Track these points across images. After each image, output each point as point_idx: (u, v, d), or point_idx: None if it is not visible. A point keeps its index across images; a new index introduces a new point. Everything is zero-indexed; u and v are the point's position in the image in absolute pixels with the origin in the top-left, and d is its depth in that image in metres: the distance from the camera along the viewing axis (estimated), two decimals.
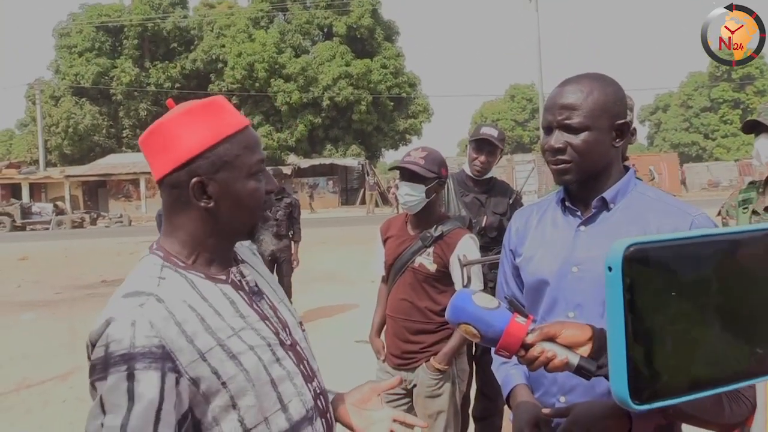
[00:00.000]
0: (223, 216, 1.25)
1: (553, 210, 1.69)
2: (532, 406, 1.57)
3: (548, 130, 1.58)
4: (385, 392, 2.86)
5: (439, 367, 2.78)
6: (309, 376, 1.33)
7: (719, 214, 3.02)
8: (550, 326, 1.33)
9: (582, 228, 1.59)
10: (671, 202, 1.58)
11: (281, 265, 6.91)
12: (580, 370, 1.28)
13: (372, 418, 1.42)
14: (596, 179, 1.57)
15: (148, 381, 1.06)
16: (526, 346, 1.30)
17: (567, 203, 1.64)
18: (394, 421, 1.41)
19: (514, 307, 1.34)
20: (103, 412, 1.05)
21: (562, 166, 1.54)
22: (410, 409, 2.89)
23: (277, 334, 1.29)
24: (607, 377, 1.31)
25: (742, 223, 2.81)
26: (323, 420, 1.33)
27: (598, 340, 1.31)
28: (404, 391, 2.90)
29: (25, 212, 29.83)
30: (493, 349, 1.76)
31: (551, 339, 1.30)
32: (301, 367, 1.31)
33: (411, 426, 1.43)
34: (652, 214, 1.53)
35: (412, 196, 2.80)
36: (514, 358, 1.69)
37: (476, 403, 3.57)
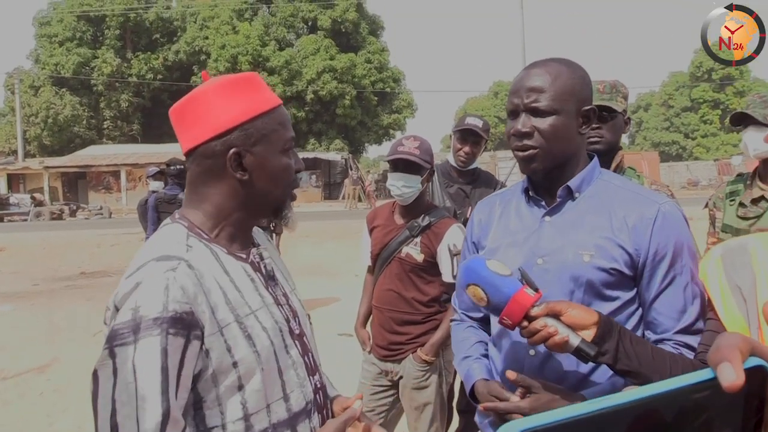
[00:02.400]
0: (256, 189, 1.25)
1: (517, 200, 1.64)
2: (494, 388, 1.53)
3: (514, 114, 1.52)
4: (371, 384, 2.86)
5: (426, 359, 2.75)
6: (312, 369, 1.31)
7: (706, 206, 3.02)
8: (557, 303, 1.32)
9: (547, 218, 1.54)
10: (637, 190, 1.54)
11: None
12: (578, 352, 1.27)
13: None
14: (562, 168, 1.52)
15: (176, 346, 1.05)
16: (530, 319, 1.29)
17: (531, 193, 1.59)
18: None
19: (526, 279, 1.33)
20: (136, 378, 1.02)
21: (529, 152, 1.49)
22: (396, 401, 2.86)
23: (288, 321, 1.28)
24: (609, 365, 1.30)
25: (728, 215, 2.81)
26: (320, 415, 1.31)
27: (604, 326, 1.31)
28: (390, 383, 2.87)
29: (3, 203, 29.43)
30: (486, 326, 1.73)
31: (556, 316, 1.29)
32: (306, 358, 1.30)
33: None
34: (617, 203, 1.49)
35: (409, 187, 2.73)
36: (476, 353, 1.67)
37: (461, 396, 3.55)
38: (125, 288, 1.08)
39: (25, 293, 9.72)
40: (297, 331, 1.30)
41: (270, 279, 1.31)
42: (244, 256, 1.26)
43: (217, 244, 1.23)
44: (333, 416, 1.40)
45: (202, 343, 1.09)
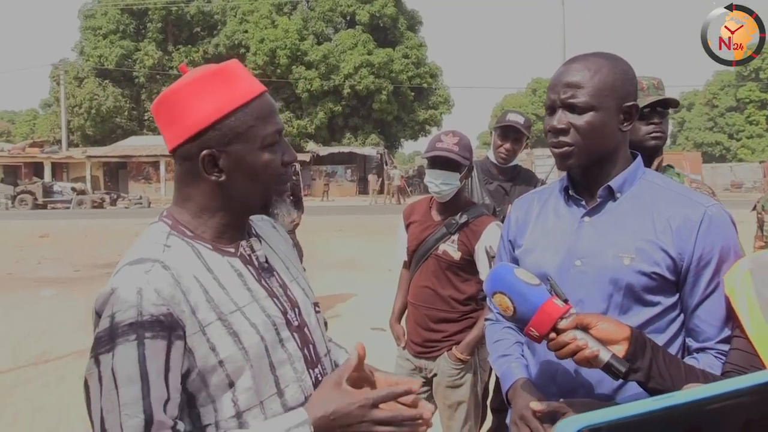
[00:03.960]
0: (236, 190, 1.19)
1: (555, 199, 1.60)
2: (531, 396, 1.49)
3: (551, 109, 1.48)
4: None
5: (461, 357, 2.72)
6: (312, 362, 1.26)
7: (755, 209, 2.93)
8: (586, 315, 1.27)
9: (586, 219, 1.49)
10: (682, 191, 1.49)
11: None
12: (609, 368, 1.22)
13: None
14: (601, 165, 1.47)
15: (157, 349, 1.03)
16: (558, 331, 1.25)
17: (570, 192, 1.54)
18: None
19: (555, 290, 1.29)
20: (116, 385, 1.01)
21: (565, 149, 1.45)
22: (429, 398, 2.84)
23: (284, 313, 1.23)
24: (640, 382, 1.26)
25: None
26: None
27: (636, 342, 1.26)
28: (424, 380, 2.85)
29: (47, 191, 30.26)
30: (505, 340, 1.69)
31: (585, 329, 1.25)
32: (305, 351, 1.25)
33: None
34: (662, 204, 1.44)
35: (447, 184, 2.69)
36: (515, 352, 1.63)
37: (494, 395, 3.51)
38: (103, 294, 1.07)
39: (66, 279, 9.99)
40: (296, 323, 1.25)
41: (264, 270, 1.26)
42: (232, 250, 1.22)
43: (201, 240, 1.19)
44: None
45: (185, 342, 1.07)
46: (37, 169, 35.55)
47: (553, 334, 1.26)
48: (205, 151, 1.14)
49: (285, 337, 1.20)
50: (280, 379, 1.17)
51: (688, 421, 0.49)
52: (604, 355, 1.22)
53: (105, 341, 1.03)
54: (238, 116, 1.15)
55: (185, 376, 1.08)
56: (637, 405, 0.49)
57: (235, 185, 1.19)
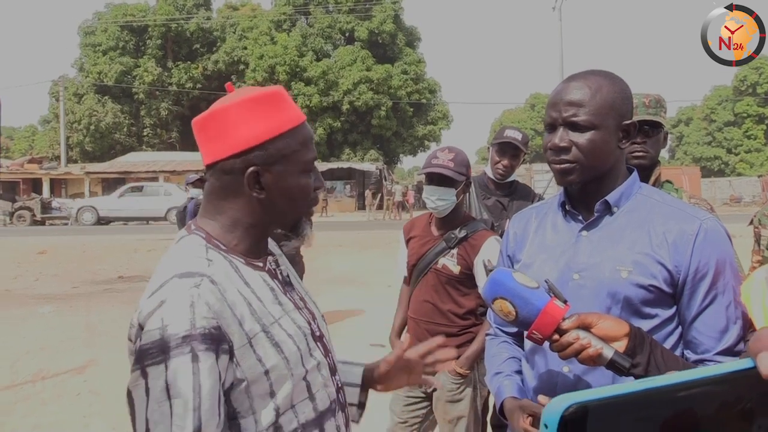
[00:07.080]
0: (273, 208, 1.25)
1: (553, 214, 1.61)
2: (526, 404, 1.51)
3: (552, 127, 1.50)
4: (405, 395, 2.84)
5: (461, 372, 2.72)
6: (333, 369, 1.33)
7: (751, 223, 2.93)
8: (588, 315, 1.29)
9: (584, 233, 1.51)
10: (678, 205, 1.50)
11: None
12: (613, 365, 1.24)
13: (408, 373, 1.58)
14: (600, 181, 1.49)
15: (210, 362, 1.05)
16: (560, 332, 1.27)
17: (568, 207, 1.56)
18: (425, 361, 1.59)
19: (554, 291, 1.30)
20: (169, 397, 1.02)
21: (566, 165, 1.47)
22: (430, 413, 2.83)
23: (309, 324, 1.29)
24: (639, 377, 1.27)
25: None
26: (343, 413, 1.33)
27: (635, 337, 1.28)
28: (424, 395, 2.85)
29: (45, 207, 30.17)
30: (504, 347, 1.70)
31: (587, 328, 1.27)
32: (328, 359, 1.32)
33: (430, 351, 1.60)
34: (657, 218, 1.45)
35: (443, 200, 2.72)
36: (507, 369, 1.64)
37: (494, 411, 3.50)
38: (150, 306, 1.08)
39: (65, 295, 9.95)
40: (318, 333, 1.31)
41: (287, 285, 1.32)
42: (261, 264, 1.27)
43: (235, 254, 1.23)
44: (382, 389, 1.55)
45: (232, 356, 1.09)
46: (35, 185, 35.56)
47: (556, 336, 1.27)
48: (251, 168, 1.20)
49: (312, 347, 1.26)
50: (311, 384, 1.23)
51: (672, 402, 0.51)
52: (608, 353, 1.23)
53: (155, 353, 1.03)
54: (286, 140, 1.22)
55: (230, 390, 1.11)
56: (624, 386, 0.52)
57: (273, 204, 1.25)
